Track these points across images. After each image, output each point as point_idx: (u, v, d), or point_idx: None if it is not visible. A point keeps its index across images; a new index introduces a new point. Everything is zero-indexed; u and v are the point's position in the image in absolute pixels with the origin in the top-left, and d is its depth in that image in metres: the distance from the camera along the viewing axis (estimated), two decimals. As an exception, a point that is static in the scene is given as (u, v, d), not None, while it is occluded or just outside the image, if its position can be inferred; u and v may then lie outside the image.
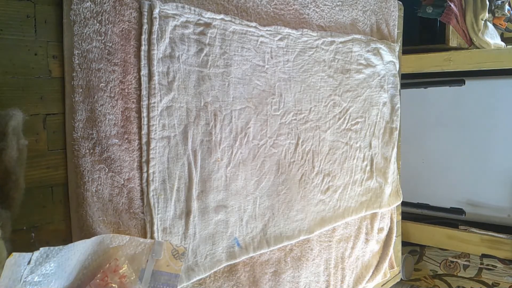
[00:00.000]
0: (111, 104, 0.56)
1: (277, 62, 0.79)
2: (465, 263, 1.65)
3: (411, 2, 1.47)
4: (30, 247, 0.50)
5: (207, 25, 0.66)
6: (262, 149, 0.77)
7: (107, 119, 0.55)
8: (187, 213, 0.65)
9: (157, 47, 0.60)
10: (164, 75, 0.61)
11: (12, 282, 0.43)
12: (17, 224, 0.48)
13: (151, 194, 0.60)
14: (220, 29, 0.68)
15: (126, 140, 0.58)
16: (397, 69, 1.14)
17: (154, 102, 0.60)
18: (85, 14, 0.53)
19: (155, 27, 0.59)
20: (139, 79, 0.59)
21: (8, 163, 0.44)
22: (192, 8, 0.64)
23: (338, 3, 0.93)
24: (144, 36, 0.59)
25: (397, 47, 1.14)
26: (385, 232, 1.14)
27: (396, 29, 1.14)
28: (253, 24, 0.73)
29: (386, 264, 1.14)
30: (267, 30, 0.76)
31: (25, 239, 0.50)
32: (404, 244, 1.44)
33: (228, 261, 0.70)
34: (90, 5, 0.53)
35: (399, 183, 1.18)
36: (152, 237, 0.60)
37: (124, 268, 0.54)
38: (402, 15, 1.19)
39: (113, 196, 0.57)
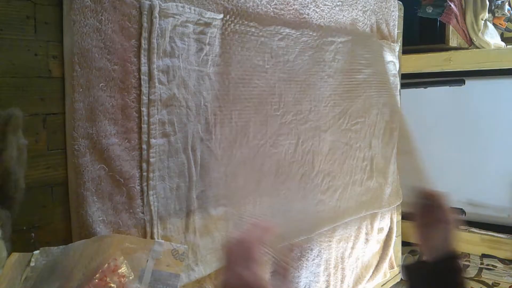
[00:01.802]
0: (111, 103, 0.56)
1: (277, 62, 0.79)
2: (465, 263, 1.65)
3: (411, 2, 1.47)
4: (30, 247, 0.50)
5: (207, 24, 0.66)
6: (262, 149, 0.76)
7: (107, 118, 0.55)
8: (187, 212, 0.65)
9: (157, 47, 0.60)
10: (164, 74, 0.61)
11: (12, 282, 0.43)
12: (17, 224, 0.48)
13: (151, 193, 0.60)
14: (220, 29, 0.68)
15: (126, 140, 0.58)
16: (397, 69, 1.14)
17: (154, 101, 0.60)
18: (85, 14, 0.53)
19: (155, 26, 0.59)
20: (139, 78, 0.59)
21: (8, 163, 0.44)
22: (192, 8, 0.64)
23: (338, 3, 0.93)
24: (144, 36, 0.59)
25: (397, 47, 1.14)
26: (385, 232, 1.14)
27: (396, 29, 1.14)
28: (253, 24, 0.73)
29: (386, 264, 1.14)
30: (267, 30, 0.76)
31: (25, 239, 0.50)
32: (404, 244, 1.44)
33: (228, 261, 0.70)
34: (90, 4, 0.53)
35: (399, 183, 1.18)
36: (152, 237, 0.60)
37: (123, 268, 0.54)
38: (402, 15, 1.19)
39: (113, 196, 0.57)
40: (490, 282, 1.57)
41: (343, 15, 0.95)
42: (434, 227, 0.69)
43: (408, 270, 0.74)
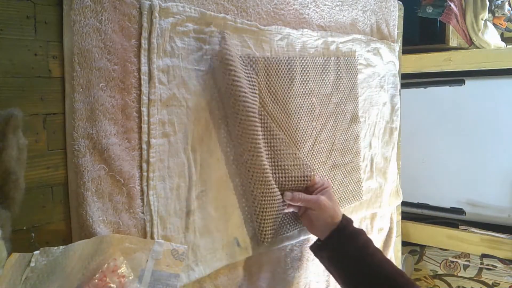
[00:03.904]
0: (111, 103, 0.56)
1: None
2: (465, 263, 1.65)
3: (411, 2, 1.47)
4: (30, 247, 0.50)
5: (207, 24, 0.66)
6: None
7: (107, 118, 0.55)
8: (187, 212, 0.65)
9: (157, 46, 0.60)
10: (164, 74, 0.61)
11: (12, 282, 0.43)
12: (17, 224, 0.48)
13: (151, 193, 0.60)
14: (220, 29, 0.68)
15: (126, 140, 0.58)
16: (397, 69, 1.14)
17: (154, 101, 0.60)
18: (85, 14, 0.53)
19: (155, 26, 0.59)
20: (139, 78, 0.59)
21: (8, 163, 0.44)
22: (193, 7, 0.64)
23: (338, 3, 0.93)
24: (144, 35, 0.59)
25: (397, 47, 1.14)
26: (385, 232, 1.14)
27: (396, 29, 1.14)
28: (253, 24, 0.73)
29: (386, 264, 1.13)
30: (267, 30, 0.76)
31: (25, 239, 0.50)
32: (404, 244, 1.44)
33: (228, 261, 0.70)
34: (90, 4, 0.53)
35: (399, 183, 1.18)
36: (152, 237, 0.60)
37: (123, 268, 0.54)
38: (402, 15, 1.19)
39: (113, 196, 0.57)
40: (490, 282, 1.57)
41: (343, 15, 0.95)
42: (310, 212, 0.76)
43: (316, 253, 0.79)
